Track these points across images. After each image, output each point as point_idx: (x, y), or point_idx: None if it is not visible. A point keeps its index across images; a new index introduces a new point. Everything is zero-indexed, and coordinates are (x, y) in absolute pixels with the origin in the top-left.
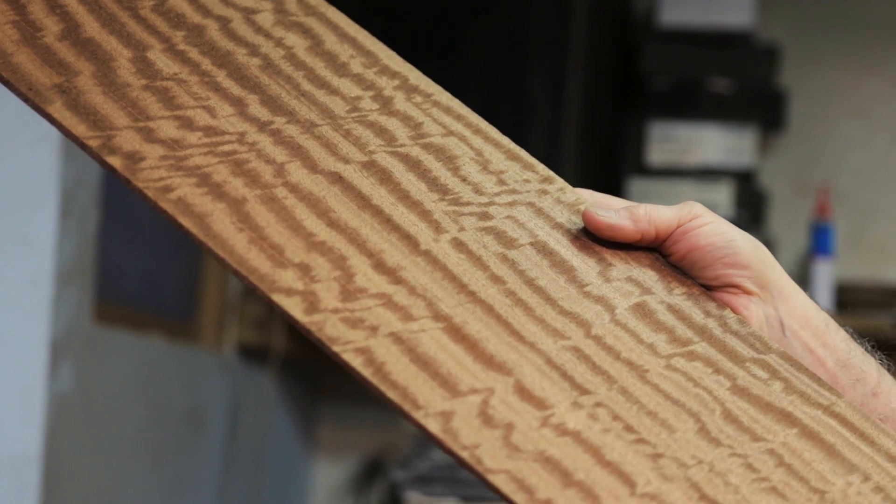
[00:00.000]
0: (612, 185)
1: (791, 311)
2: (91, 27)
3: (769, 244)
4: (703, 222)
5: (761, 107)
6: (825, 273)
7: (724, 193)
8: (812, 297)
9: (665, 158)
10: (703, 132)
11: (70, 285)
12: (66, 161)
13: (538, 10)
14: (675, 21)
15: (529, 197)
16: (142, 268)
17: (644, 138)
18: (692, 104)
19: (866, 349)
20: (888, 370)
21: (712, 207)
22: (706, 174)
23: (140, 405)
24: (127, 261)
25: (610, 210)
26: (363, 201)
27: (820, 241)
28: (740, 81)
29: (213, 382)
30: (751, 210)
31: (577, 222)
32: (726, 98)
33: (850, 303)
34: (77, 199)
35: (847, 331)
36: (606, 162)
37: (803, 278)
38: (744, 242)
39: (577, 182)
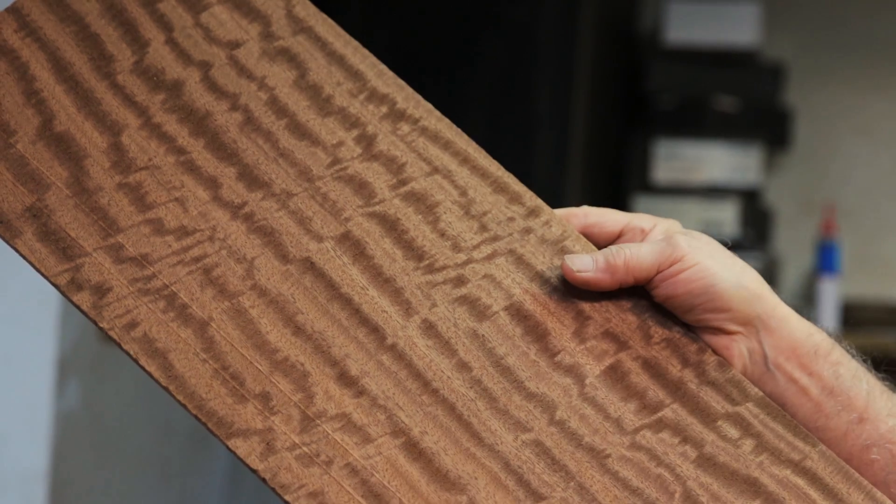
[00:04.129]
0: (618, 204)
1: (776, 344)
2: (66, 114)
3: (775, 262)
4: (683, 267)
5: (767, 125)
6: (831, 291)
7: (729, 211)
8: (814, 316)
9: (671, 176)
10: (709, 150)
11: None
12: None
13: (543, 27)
14: (681, 39)
15: (511, 242)
16: None
17: (650, 156)
18: (698, 122)
19: (868, 368)
20: (892, 389)
21: (718, 226)
22: (712, 192)
23: (147, 422)
24: None
25: (588, 259)
26: (333, 291)
27: (826, 259)
28: (746, 100)
29: None
30: (756, 228)
31: (558, 267)
32: (732, 116)
33: (856, 321)
34: None
35: (848, 351)
36: (612, 180)
37: (809, 297)
38: (724, 285)
39: (582, 201)
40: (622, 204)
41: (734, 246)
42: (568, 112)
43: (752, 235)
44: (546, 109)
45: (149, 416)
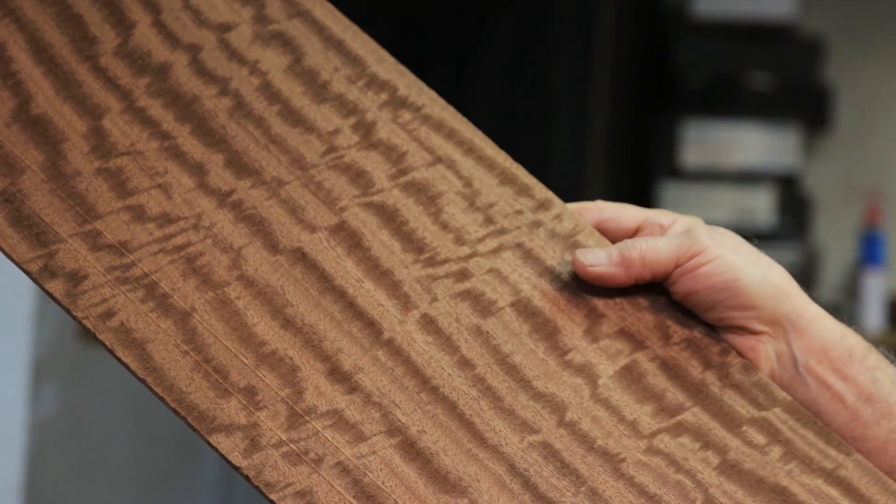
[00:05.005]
0: (643, 190)
1: (806, 346)
2: (44, 97)
3: (814, 254)
4: (703, 260)
5: (805, 104)
6: (876, 285)
7: (764, 199)
8: (857, 313)
9: (700, 160)
10: (742, 132)
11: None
12: None
13: (561, 0)
14: (711, 12)
15: (519, 235)
16: None
17: (677, 139)
18: (730, 102)
19: None
20: None
21: (752, 214)
22: (745, 178)
23: (130, 431)
24: None
25: (601, 253)
26: (325, 283)
27: (870, 250)
28: (782, 77)
29: None
30: (794, 217)
31: (568, 262)
32: (767, 95)
33: None
34: None
35: (886, 355)
36: (636, 165)
37: (852, 291)
38: (748, 280)
39: (604, 188)
40: (648, 191)
41: (769, 236)
42: (587, 92)
43: (790, 225)
44: (564, 89)
45: (132, 424)
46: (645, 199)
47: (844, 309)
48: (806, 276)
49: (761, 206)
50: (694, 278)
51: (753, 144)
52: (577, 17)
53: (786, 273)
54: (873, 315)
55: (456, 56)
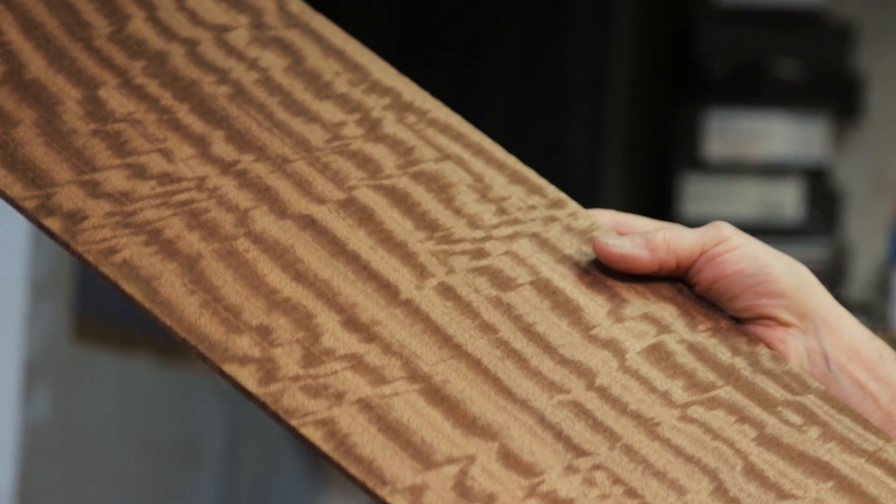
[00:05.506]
0: (664, 183)
1: (837, 343)
2: (36, 66)
3: (844, 250)
4: (731, 246)
5: (834, 93)
6: None
7: (792, 192)
8: (889, 311)
9: (724, 152)
10: (768, 122)
11: (46, 298)
12: None
13: None
14: None
15: (534, 226)
16: None
17: (700, 130)
18: (755, 91)
19: None
20: None
21: (778, 208)
22: (772, 170)
23: (126, 435)
24: None
25: (624, 239)
26: (337, 247)
27: None
28: (810, 64)
29: (209, 410)
30: (823, 211)
31: (587, 253)
32: (794, 83)
33: None
34: None
35: None
36: (657, 157)
37: (883, 288)
38: (779, 267)
39: (623, 181)
40: (668, 184)
41: (797, 231)
42: (606, 80)
43: (818, 219)
44: (581, 78)
45: (128, 429)
46: (666, 192)
47: (876, 307)
48: (835, 273)
49: (788, 199)
50: (721, 264)
51: (780, 135)
52: (595, 2)
53: (811, 273)
54: None
55: (469, 44)
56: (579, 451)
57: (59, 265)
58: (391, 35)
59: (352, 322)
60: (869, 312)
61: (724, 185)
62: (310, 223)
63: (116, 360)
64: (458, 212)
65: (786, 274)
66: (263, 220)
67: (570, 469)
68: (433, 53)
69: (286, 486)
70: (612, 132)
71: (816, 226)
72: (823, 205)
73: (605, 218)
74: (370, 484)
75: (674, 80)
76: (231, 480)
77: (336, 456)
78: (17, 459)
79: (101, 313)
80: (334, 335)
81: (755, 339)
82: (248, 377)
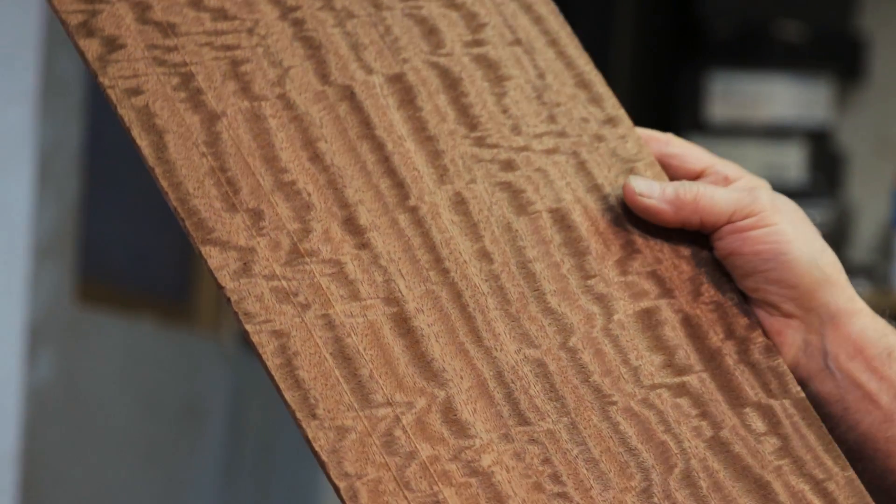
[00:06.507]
0: None
1: (841, 340)
2: None
3: (847, 212)
4: (760, 223)
5: (837, 55)
6: None
7: (795, 154)
8: (891, 273)
9: (728, 114)
10: (771, 84)
11: (49, 261)
12: (44, 120)
13: None
14: None
15: (578, 144)
16: (130, 241)
17: (704, 92)
18: (758, 52)
19: None
20: None
21: (782, 170)
22: (775, 132)
23: (129, 398)
24: (113, 233)
25: (655, 185)
26: (366, 129)
27: None
28: (813, 26)
29: (212, 372)
30: (826, 173)
31: (621, 186)
32: (797, 45)
33: None
34: (56, 162)
35: None
36: (660, 119)
37: (886, 251)
38: (797, 255)
39: None
40: None
41: (800, 194)
42: (608, 42)
43: (822, 181)
44: (582, 40)
45: (132, 391)
46: None
47: (878, 269)
48: (838, 236)
49: (791, 162)
50: (742, 239)
51: (783, 97)
52: None
53: (837, 261)
54: None
55: None
56: (522, 419)
57: (63, 228)
58: None
59: (349, 222)
60: (871, 274)
61: (727, 147)
62: (348, 95)
63: (120, 322)
64: (505, 110)
65: (804, 266)
66: (302, 83)
67: (506, 437)
68: None
69: (290, 448)
70: (615, 94)
71: (819, 188)
72: (826, 167)
73: (658, 145)
74: (299, 415)
75: (677, 42)
76: (234, 442)
77: (277, 375)
78: (21, 422)
79: (104, 276)
80: (326, 234)
81: (754, 325)
82: (222, 266)
